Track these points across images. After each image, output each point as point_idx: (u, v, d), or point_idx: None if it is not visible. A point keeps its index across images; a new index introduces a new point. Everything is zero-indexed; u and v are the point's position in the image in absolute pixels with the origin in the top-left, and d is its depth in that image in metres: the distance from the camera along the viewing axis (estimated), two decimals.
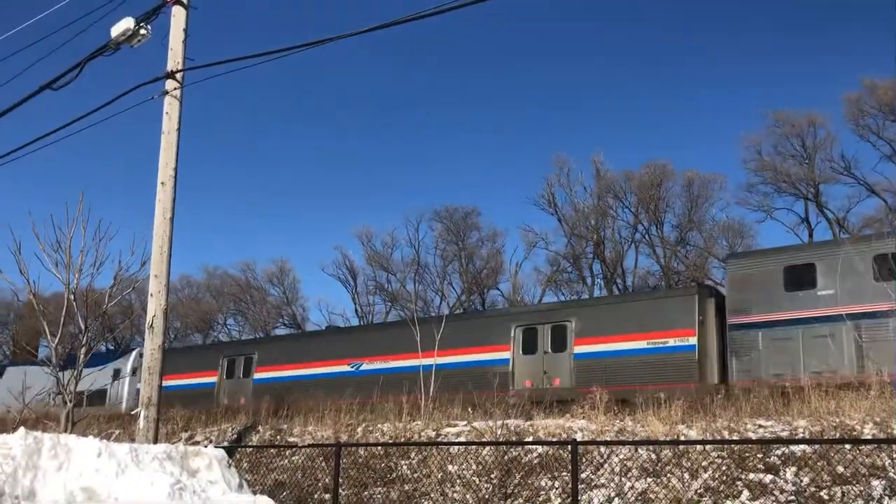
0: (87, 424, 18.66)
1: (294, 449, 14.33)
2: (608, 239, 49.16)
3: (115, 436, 17.93)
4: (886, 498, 8.81)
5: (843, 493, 9.10)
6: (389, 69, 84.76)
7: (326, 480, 12.69)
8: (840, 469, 9.41)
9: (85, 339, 15.00)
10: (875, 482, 9.05)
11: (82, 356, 14.63)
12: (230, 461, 9.51)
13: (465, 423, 14.54)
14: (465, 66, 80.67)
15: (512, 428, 13.28)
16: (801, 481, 9.55)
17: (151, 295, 12.13)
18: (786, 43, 67.57)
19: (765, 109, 48.54)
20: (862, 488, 9.03)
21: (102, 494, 7.42)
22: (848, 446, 9.50)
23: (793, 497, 9.38)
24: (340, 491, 11.83)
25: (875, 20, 62.73)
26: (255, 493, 9.89)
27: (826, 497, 9.18)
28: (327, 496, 12.28)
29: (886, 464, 9.20)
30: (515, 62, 78.31)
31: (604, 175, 49.45)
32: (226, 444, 16.22)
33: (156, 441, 11.37)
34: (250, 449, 15.36)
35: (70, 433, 11.80)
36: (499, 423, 13.44)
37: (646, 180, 47.21)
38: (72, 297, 14.61)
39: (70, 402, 14.03)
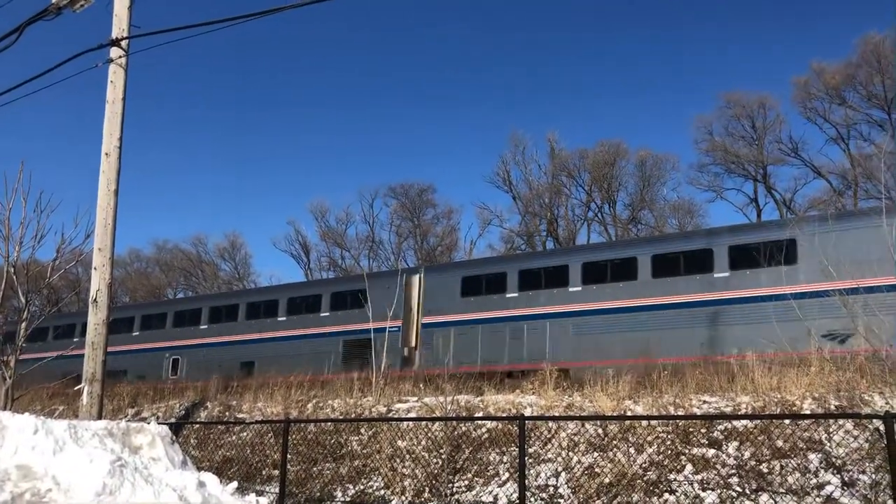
0: (30, 401, 18.23)
1: (243, 425, 14.21)
2: (561, 217, 49.61)
3: (59, 412, 17.56)
4: (822, 470, 9.06)
5: (781, 466, 9.33)
6: (347, 42, 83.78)
7: (275, 456, 12.61)
8: (780, 443, 9.65)
9: (27, 312, 14.62)
10: (812, 455, 9.30)
11: (23, 331, 14.25)
12: (174, 438, 9.36)
13: (415, 398, 14.56)
14: (421, 41, 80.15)
15: (462, 403, 13.34)
16: (743, 455, 9.77)
17: (95, 269, 11.85)
18: (740, 24, 68.50)
19: (718, 90, 49.39)
20: (799, 461, 9.27)
21: (39, 472, 7.24)
22: (787, 421, 9.74)
23: (734, 471, 9.59)
24: (289, 467, 11.77)
25: (824, 3, 63.90)
26: (200, 469, 9.76)
27: (766, 470, 9.40)
28: (276, 472, 12.20)
29: (823, 438, 9.46)
30: (472, 38, 78.05)
31: (558, 153, 49.86)
32: (173, 420, 16.02)
33: (100, 417, 11.15)
34: (198, 425, 15.18)
35: (9, 410, 11.52)
36: (449, 398, 13.49)
37: (599, 159, 47.71)
38: (12, 270, 14.21)
39: (9, 377, 13.67)
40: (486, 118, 77.95)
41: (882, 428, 7.77)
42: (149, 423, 9.40)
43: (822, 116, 43.04)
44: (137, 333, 31.08)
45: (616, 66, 75.12)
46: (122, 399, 19.02)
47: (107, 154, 12.06)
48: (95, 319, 11.66)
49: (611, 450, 10.50)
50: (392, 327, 22.33)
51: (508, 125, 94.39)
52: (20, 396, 14.93)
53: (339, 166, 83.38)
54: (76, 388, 12.77)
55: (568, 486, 10.24)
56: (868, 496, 8.50)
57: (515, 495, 9.88)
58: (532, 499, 10.11)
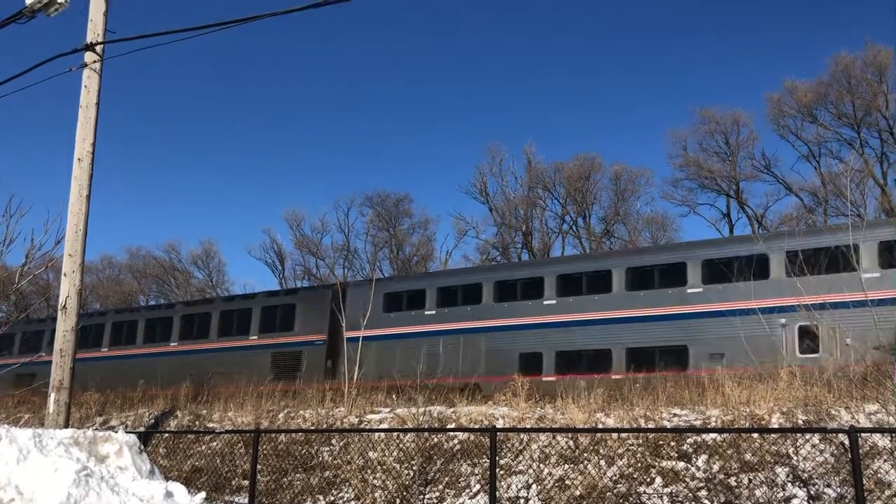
0: None
1: (213, 435, 14.07)
2: (537, 229, 49.84)
3: (25, 420, 17.27)
4: (789, 484, 9.16)
5: (749, 479, 9.42)
6: (324, 52, 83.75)
7: (245, 467, 12.50)
8: (748, 456, 9.74)
9: None
10: (779, 469, 9.40)
11: None
12: (142, 447, 9.25)
13: (388, 409, 14.50)
14: (399, 52, 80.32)
15: (435, 415, 13.31)
16: (712, 468, 9.85)
17: (65, 275, 11.71)
18: (714, 41, 69.45)
19: (692, 106, 50.04)
20: (767, 475, 9.37)
21: (1, 481, 7.11)
22: (756, 435, 9.84)
23: (703, 484, 9.66)
24: (259, 477, 11.67)
25: (797, 23, 65.02)
26: (168, 479, 9.64)
27: (734, 483, 9.49)
28: (245, 482, 12.09)
29: (790, 452, 9.57)
30: (450, 50, 78.36)
31: (535, 166, 50.15)
32: (142, 429, 15.81)
33: (67, 426, 10.98)
34: (167, 434, 15.00)
35: None
36: (421, 409, 13.46)
37: (575, 172, 48.01)
38: None
39: None
40: (464, 129, 78.28)
41: (847, 442, 7.88)
42: (116, 432, 9.28)
43: (795, 133, 43.75)
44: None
45: (593, 81, 75.86)
46: (90, 407, 18.74)
47: (79, 159, 11.94)
48: (64, 326, 11.51)
49: (582, 462, 10.53)
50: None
51: (486, 137, 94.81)
52: None
53: (316, 175, 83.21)
54: (31, 386, 12.57)
55: (539, 499, 10.25)
56: None
57: None
58: None
